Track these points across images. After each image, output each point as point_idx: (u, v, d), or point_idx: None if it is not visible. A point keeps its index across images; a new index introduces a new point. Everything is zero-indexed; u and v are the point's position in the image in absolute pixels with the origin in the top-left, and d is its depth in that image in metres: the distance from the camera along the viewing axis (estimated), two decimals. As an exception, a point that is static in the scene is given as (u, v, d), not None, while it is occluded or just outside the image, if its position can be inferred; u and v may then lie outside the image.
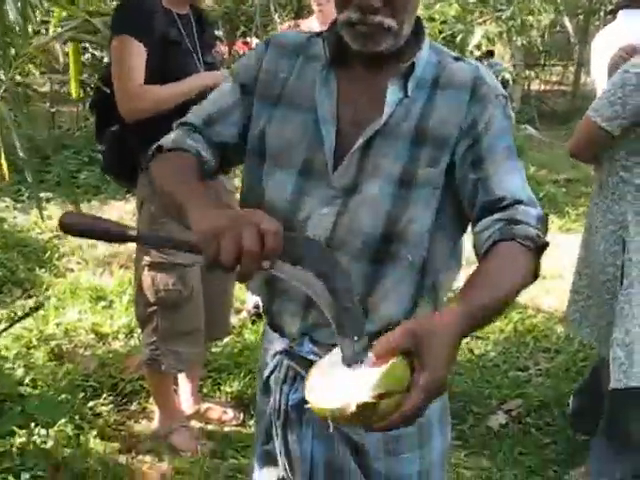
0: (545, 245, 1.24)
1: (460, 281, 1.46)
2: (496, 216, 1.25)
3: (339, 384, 1.03)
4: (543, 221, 1.27)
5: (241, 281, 1.07)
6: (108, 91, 2.50)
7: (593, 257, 2.56)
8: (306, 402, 1.06)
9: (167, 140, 1.39)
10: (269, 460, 1.52)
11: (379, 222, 1.29)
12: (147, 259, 2.58)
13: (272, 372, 1.45)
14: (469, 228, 1.35)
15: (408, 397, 0.99)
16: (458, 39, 6.70)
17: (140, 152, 2.52)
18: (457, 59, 1.37)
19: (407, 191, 1.29)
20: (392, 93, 1.30)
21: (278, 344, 1.42)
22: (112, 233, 1.11)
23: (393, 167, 1.28)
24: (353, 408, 0.97)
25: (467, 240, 1.37)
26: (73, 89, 3.06)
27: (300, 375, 1.38)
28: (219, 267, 1.02)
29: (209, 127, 1.41)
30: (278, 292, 1.39)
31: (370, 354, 1.03)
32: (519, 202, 1.26)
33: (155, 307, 2.62)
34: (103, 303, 3.91)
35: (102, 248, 4.73)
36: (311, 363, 1.18)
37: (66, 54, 8.59)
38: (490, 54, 10.50)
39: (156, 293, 2.59)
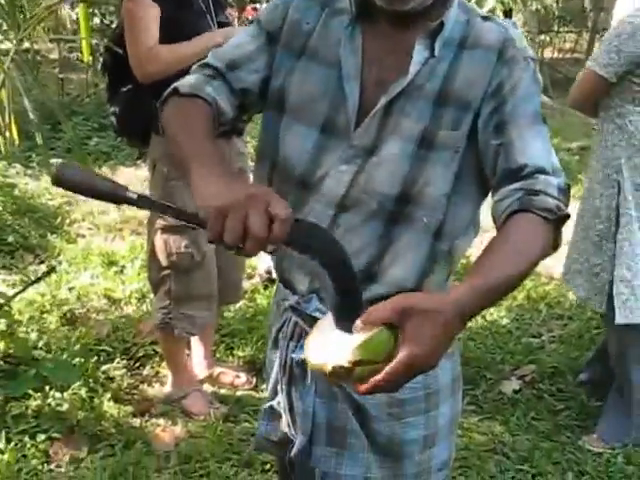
0: (566, 217, 1.21)
1: (474, 247, 1.46)
2: (515, 185, 1.22)
3: (328, 344, 1.06)
4: (564, 191, 1.23)
5: (243, 256, 1.07)
6: (120, 51, 2.46)
7: (588, 203, 2.67)
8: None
9: (185, 83, 1.33)
10: (274, 416, 1.52)
11: (396, 183, 1.27)
12: (160, 222, 2.56)
13: (281, 328, 1.45)
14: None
15: (384, 367, 1.00)
16: (472, 2, 6.59)
17: (154, 112, 2.49)
18: (486, 19, 1.32)
19: (426, 152, 1.26)
20: (418, 52, 1.26)
21: (288, 300, 1.41)
22: (109, 193, 1.06)
23: (414, 127, 1.26)
24: (329, 368, 1.01)
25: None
26: (85, 51, 3.01)
27: (305, 332, 1.37)
28: (222, 244, 1.00)
29: (231, 71, 1.36)
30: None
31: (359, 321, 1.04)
32: (541, 171, 1.22)
33: (168, 270, 2.61)
34: (115, 268, 3.91)
35: (113, 214, 4.72)
36: (317, 321, 1.18)
37: (74, 21, 8.53)
38: (507, 15, 10.30)
39: (169, 256, 2.58)
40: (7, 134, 2.83)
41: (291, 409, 1.46)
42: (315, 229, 1.12)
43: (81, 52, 7.73)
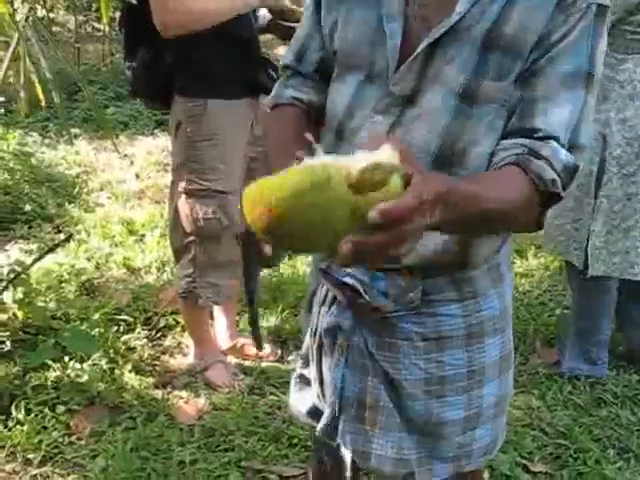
0: (556, 195, 1.08)
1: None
2: (522, 140, 1.09)
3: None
4: (570, 170, 1.09)
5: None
6: (137, 3, 2.32)
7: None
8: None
9: (268, 99, 1.38)
10: (305, 385, 1.46)
11: (435, 139, 1.14)
12: (184, 186, 2.44)
13: (315, 291, 1.37)
14: None
15: (409, 189, 0.81)
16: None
17: (176, 71, 2.37)
18: None
19: (470, 106, 1.13)
20: None
21: (322, 264, 1.31)
22: None
23: (457, 76, 1.12)
24: (365, 164, 0.77)
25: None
26: (103, 11, 2.87)
27: (337, 299, 1.29)
28: None
29: (301, 62, 1.34)
30: None
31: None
32: (555, 139, 1.08)
33: (193, 237, 2.49)
34: (134, 237, 3.81)
35: (132, 183, 4.62)
36: (348, 286, 1.07)
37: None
38: None
39: (195, 222, 2.46)
40: (22, 97, 2.72)
41: (321, 380, 1.37)
42: None
43: (99, 19, 7.64)
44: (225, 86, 2.36)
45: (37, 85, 2.59)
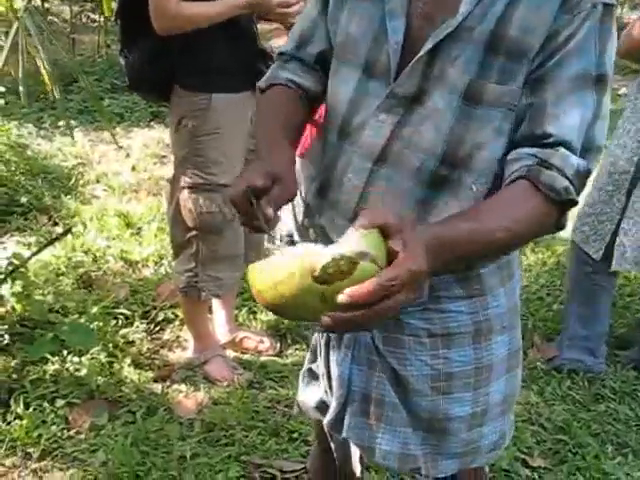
0: (571, 202, 1.08)
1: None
2: (532, 150, 1.09)
3: (318, 247, 0.93)
4: (581, 175, 1.09)
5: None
6: None
7: (610, 151, 2.65)
8: None
9: (263, 78, 1.36)
10: (313, 379, 1.47)
11: (440, 141, 1.14)
12: (187, 180, 2.42)
13: None
14: None
15: (385, 270, 0.88)
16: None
17: (179, 65, 2.35)
18: None
19: (473, 108, 1.12)
20: None
21: None
22: None
23: (461, 77, 1.11)
24: (328, 259, 0.87)
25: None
26: (105, 3, 2.83)
27: None
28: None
29: (301, 50, 1.33)
30: (328, 204, 1.28)
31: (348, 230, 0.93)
32: (565, 144, 1.08)
33: (195, 231, 2.48)
34: (131, 230, 3.79)
35: (128, 175, 4.59)
36: None
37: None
38: None
39: (198, 216, 2.45)
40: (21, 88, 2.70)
41: (329, 374, 1.38)
42: None
43: (94, 10, 7.58)
44: (229, 79, 2.34)
45: (44, 73, 2.55)
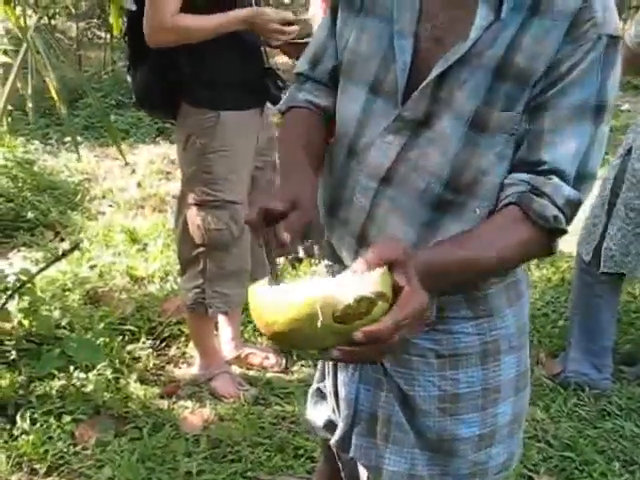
0: (561, 231, 1.12)
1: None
2: (526, 177, 1.11)
3: (333, 283, 0.95)
4: (572, 205, 1.11)
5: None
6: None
7: (611, 163, 2.79)
8: None
9: (282, 101, 1.40)
10: (321, 399, 1.47)
11: (446, 164, 1.15)
12: (195, 197, 2.44)
13: None
14: None
15: (396, 307, 0.93)
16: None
17: (188, 82, 2.36)
18: None
19: (479, 135, 1.13)
20: (482, 15, 1.11)
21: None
22: None
23: (467, 103, 1.12)
24: (350, 300, 0.90)
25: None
26: (114, 19, 2.85)
27: None
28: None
29: (315, 69, 1.36)
30: (338, 222, 1.30)
31: (359, 262, 0.97)
32: (558, 173, 1.10)
33: (202, 248, 2.49)
34: (137, 246, 3.80)
35: (134, 191, 4.62)
36: None
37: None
38: None
39: (206, 232, 2.46)
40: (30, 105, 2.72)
41: (336, 393, 1.38)
42: None
43: (100, 27, 7.63)
44: (237, 97, 2.36)
45: (52, 90, 2.57)
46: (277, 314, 0.93)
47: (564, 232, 1.12)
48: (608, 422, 2.66)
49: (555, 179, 1.10)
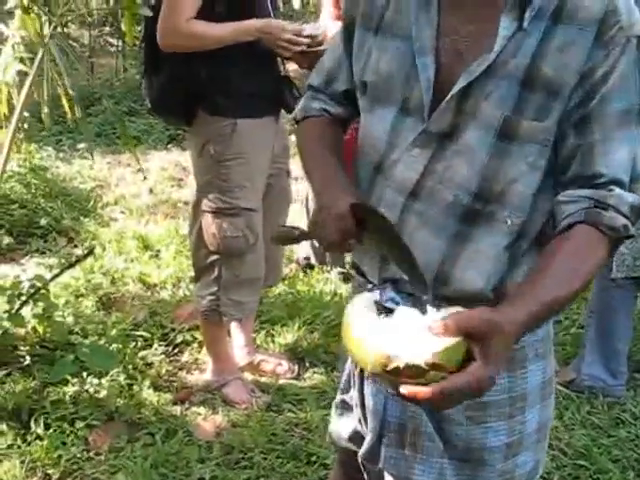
0: (630, 237, 1.13)
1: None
2: (586, 192, 1.11)
3: (397, 335, 0.98)
4: (636, 209, 1.12)
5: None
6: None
7: None
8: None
9: (297, 110, 1.44)
10: (346, 410, 1.45)
11: (474, 176, 1.15)
12: (211, 205, 2.45)
13: None
14: None
15: (453, 377, 0.95)
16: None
17: (206, 90, 2.37)
18: None
19: (508, 145, 1.13)
20: (505, 25, 1.11)
21: (363, 289, 1.30)
22: None
23: (495, 113, 1.12)
24: (401, 364, 0.94)
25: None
26: (127, 27, 2.86)
27: None
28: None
29: (329, 86, 1.38)
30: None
31: (437, 322, 0.97)
32: (618, 182, 1.10)
33: (217, 255, 2.50)
34: (149, 252, 3.82)
35: (146, 198, 4.64)
36: (391, 311, 1.10)
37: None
38: None
39: (221, 240, 2.46)
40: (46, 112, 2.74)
41: (363, 405, 1.37)
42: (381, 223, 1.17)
43: (113, 34, 7.68)
44: (254, 104, 2.38)
45: (63, 99, 2.60)
46: (348, 343, 1.04)
47: (631, 237, 1.14)
48: (622, 430, 2.64)
49: (616, 189, 1.10)
